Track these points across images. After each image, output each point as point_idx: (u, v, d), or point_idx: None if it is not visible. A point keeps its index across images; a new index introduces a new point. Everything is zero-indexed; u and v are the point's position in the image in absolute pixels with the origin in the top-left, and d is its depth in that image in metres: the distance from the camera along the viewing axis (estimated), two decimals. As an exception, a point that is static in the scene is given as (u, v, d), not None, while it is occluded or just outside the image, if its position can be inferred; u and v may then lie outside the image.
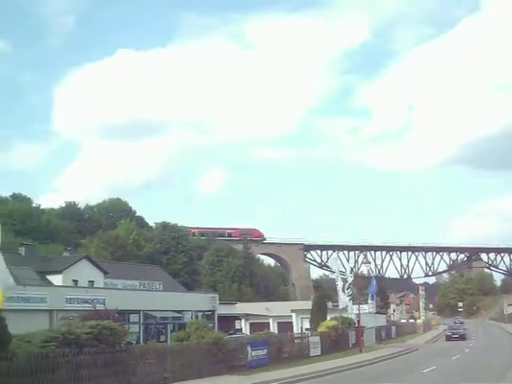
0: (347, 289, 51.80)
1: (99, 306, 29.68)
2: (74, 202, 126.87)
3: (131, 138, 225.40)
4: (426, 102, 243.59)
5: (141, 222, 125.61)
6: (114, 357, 21.96)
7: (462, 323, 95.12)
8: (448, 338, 65.47)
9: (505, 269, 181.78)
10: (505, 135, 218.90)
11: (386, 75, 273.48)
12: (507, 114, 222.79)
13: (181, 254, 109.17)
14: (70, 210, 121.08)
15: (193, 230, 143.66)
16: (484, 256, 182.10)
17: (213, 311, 51.86)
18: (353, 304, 52.63)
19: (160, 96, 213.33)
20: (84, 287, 43.92)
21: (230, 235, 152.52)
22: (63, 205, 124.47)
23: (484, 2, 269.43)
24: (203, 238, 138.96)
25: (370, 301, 74.50)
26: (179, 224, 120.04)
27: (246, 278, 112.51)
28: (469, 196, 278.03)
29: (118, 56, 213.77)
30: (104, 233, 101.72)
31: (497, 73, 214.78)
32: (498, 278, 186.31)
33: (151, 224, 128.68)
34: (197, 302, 51.11)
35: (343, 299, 50.48)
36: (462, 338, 64.46)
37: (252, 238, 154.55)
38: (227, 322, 56.61)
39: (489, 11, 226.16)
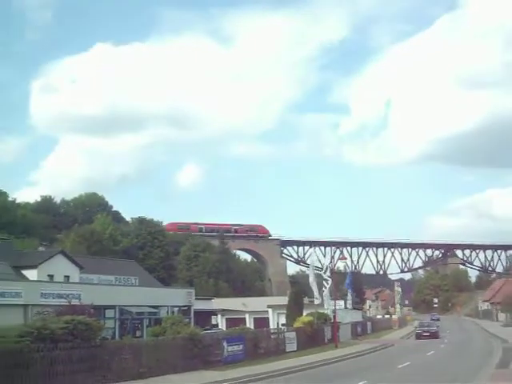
0: (325, 285, 51.98)
1: (74, 301, 29.52)
2: (50, 197, 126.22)
3: (109, 132, 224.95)
4: (403, 99, 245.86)
5: (117, 217, 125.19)
6: (89, 352, 21.91)
7: (438, 319, 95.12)
8: (418, 337, 59.51)
9: (479, 265, 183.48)
10: (479, 132, 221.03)
11: (364, 72, 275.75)
12: (481, 111, 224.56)
13: (157, 249, 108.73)
14: (46, 205, 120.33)
15: (199, 226, 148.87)
16: (459, 252, 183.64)
17: (189, 306, 51.75)
18: (329, 300, 52.79)
19: (138, 91, 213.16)
20: (59, 282, 43.64)
21: (236, 231, 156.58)
22: (39, 199, 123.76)
23: (462, 0, 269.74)
24: (214, 234, 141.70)
25: (347, 296, 74.86)
26: (155, 219, 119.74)
27: (223, 273, 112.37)
28: (445, 192, 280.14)
29: (96, 50, 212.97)
30: (80, 227, 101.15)
31: (471, 71, 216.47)
32: (472, 275, 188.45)
33: (128, 219, 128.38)
34: (173, 297, 50.96)
35: (324, 295, 50.76)
36: (434, 336, 58.17)
37: (258, 234, 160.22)
38: (203, 317, 56.61)
39: (466, 9, 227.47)
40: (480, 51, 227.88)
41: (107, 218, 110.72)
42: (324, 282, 52.28)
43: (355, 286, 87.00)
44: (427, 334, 58.99)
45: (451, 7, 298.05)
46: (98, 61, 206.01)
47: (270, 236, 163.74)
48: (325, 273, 54.21)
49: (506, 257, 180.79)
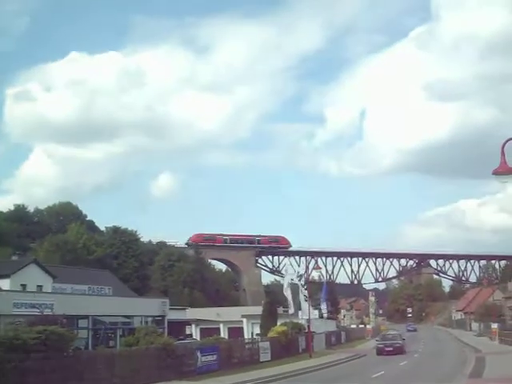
0: (299, 295, 52.10)
1: (47, 311, 29.36)
2: (24, 205, 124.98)
3: (83, 141, 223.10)
4: (378, 109, 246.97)
5: (91, 226, 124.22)
6: (61, 362, 21.76)
7: (415, 330, 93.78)
8: (379, 352, 48.72)
9: (453, 275, 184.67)
10: (452, 143, 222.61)
11: (340, 82, 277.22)
12: (454, 122, 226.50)
13: (131, 259, 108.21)
14: (20, 214, 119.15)
15: (224, 237, 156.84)
16: (433, 262, 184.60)
17: (163, 316, 51.54)
18: (303, 309, 52.84)
19: (113, 100, 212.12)
20: (32, 292, 43.31)
21: (259, 242, 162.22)
22: (12, 208, 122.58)
23: (436, 12, 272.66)
24: (242, 244, 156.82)
25: (322, 306, 75.00)
26: (130, 228, 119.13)
27: (197, 283, 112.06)
28: (419, 202, 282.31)
29: (71, 59, 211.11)
30: (54, 237, 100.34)
31: (444, 82, 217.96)
32: (446, 285, 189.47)
33: (102, 228, 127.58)
34: (147, 307, 50.77)
35: (297, 307, 50.86)
36: (399, 351, 47.64)
37: (279, 245, 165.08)
38: (178, 327, 56.37)
39: (440, 22, 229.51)
40: (453, 63, 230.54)
41: (81, 227, 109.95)
42: (299, 292, 52.37)
43: (330, 295, 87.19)
44: (390, 349, 48.59)
45: (425, 19, 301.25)
46: (73, 69, 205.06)
47: (290, 247, 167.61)
48: (299, 282, 54.33)
49: (479, 267, 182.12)
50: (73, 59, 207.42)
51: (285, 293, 50.84)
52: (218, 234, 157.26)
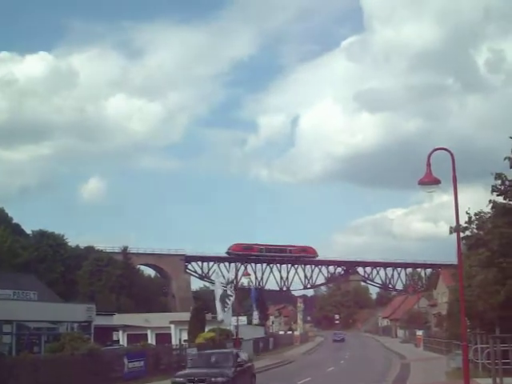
0: (228, 301, 52.03)
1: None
2: None
3: (10, 142, 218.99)
4: (309, 117, 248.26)
5: (17, 230, 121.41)
6: (-17, 369, 21.25)
7: (342, 340, 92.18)
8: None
9: (380, 282, 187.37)
10: (381, 153, 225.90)
11: (272, 89, 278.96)
12: (383, 132, 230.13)
13: (58, 263, 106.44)
14: None
15: (260, 247, 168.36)
16: (361, 270, 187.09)
17: (89, 322, 50.75)
18: (232, 316, 52.87)
19: (43, 101, 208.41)
20: (-46, 296, 42.18)
21: (290, 252, 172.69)
22: None
23: (368, 23, 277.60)
24: (275, 253, 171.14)
25: (251, 312, 75.17)
26: (57, 232, 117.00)
27: (126, 288, 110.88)
28: (348, 210, 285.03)
29: (1, 59, 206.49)
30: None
31: (374, 92, 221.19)
32: (373, 292, 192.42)
33: (28, 231, 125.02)
34: (73, 312, 49.88)
35: (225, 313, 50.75)
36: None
37: (307, 254, 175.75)
38: (105, 333, 55.58)
39: (371, 33, 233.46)
40: (383, 74, 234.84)
41: (6, 230, 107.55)
42: (227, 299, 52.31)
43: (259, 301, 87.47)
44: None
45: (357, 30, 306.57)
46: (3, 69, 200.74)
47: (317, 256, 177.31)
48: (228, 289, 54.29)
49: (406, 274, 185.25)
50: (2, 59, 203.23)
51: (215, 301, 50.79)
52: (255, 244, 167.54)
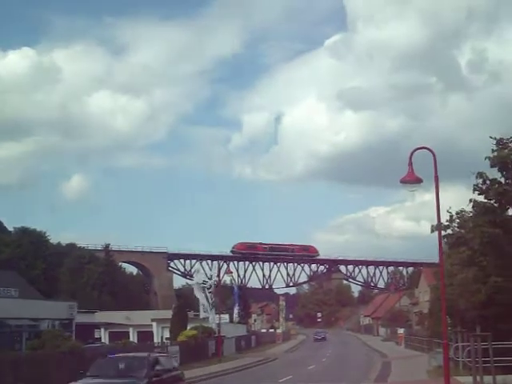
0: (211, 299, 52.11)
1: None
2: None
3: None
4: (292, 116, 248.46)
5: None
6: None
7: (323, 338, 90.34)
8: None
9: (362, 280, 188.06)
10: (364, 151, 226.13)
11: (256, 87, 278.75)
12: (366, 131, 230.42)
13: (40, 260, 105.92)
14: None
15: (264, 246, 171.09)
16: (343, 268, 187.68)
17: (70, 320, 50.61)
18: (214, 313, 52.90)
19: (24, 97, 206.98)
20: None
21: (293, 251, 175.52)
22: None
23: (352, 22, 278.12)
24: (272, 253, 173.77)
25: (233, 310, 75.20)
26: (39, 229, 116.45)
27: (107, 286, 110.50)
28: (331, 209, 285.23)
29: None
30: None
31: (358, 91, 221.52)
32: (355, 290, 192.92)
33: (10, 228, 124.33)
34: (54, 310, 49.71)
35: (209, 309, 50.79)
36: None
37: (309, 253, 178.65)
38: (86, 330, 55.43)
39: (355, 31, 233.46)
40: (366, 73, 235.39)
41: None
42: (209, 296, 52.35)
43: (241, 300, 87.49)
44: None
45: (341, 29, 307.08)
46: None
47: (318, 255, 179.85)
48: (210, 287, 54.31)
49: (388, 273, 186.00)
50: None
51: (198, 298, 50.79)
52: (259, 243, 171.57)
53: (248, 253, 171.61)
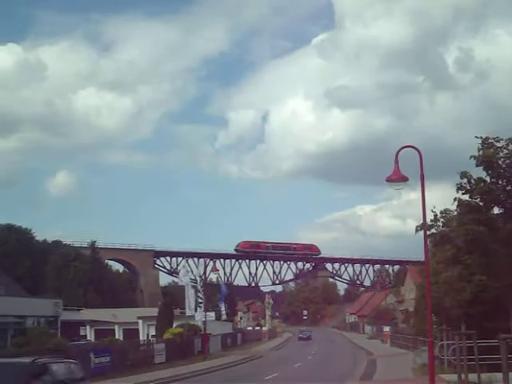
0: (201, 298, 52.15)
1: None
2: None
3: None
4: (279, 113, 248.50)
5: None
6: None
7: (308, 338, 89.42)
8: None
9: (348, 278, 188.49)
10: (351, 150, 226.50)
11: (243, 85, 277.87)
12: (353, 129, 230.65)
13: (25, 258, 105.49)
14: None
15: (266, 245, 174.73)
16: (329, 266, 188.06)
17: (56, 317, 50.49)
18: (200, 311, 52.87)
19: (10, 93, 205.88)
20: None
21: (295, 249, 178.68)
22: None
23: (339, 21, 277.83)
24: (274, 252, 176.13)
25: (219, 308, 75.20)
26: (24, 226, 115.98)
27: (93, 283, 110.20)
28: (317, 207, 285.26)
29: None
30: None
31: (345, 89, 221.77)
32: (341, 288, 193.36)
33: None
34: (39, 307, 49.59)
35: (195, 307, 50.79)
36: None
37: (311, 252, 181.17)
38: (72, 328, 55.32)
39: (342, 30, 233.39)
40: (354, 71, 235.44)
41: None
42: (195, 294, 52.35)
43: (227, 297, 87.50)
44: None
45: (328, 27, 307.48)
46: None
47: (320, 254, 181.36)
48: (196, 284, 54.33)
49: (374, 271, 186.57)
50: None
51: (184, 296, 50.80)
52: (262, 242, 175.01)
53: (251, 251, 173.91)
